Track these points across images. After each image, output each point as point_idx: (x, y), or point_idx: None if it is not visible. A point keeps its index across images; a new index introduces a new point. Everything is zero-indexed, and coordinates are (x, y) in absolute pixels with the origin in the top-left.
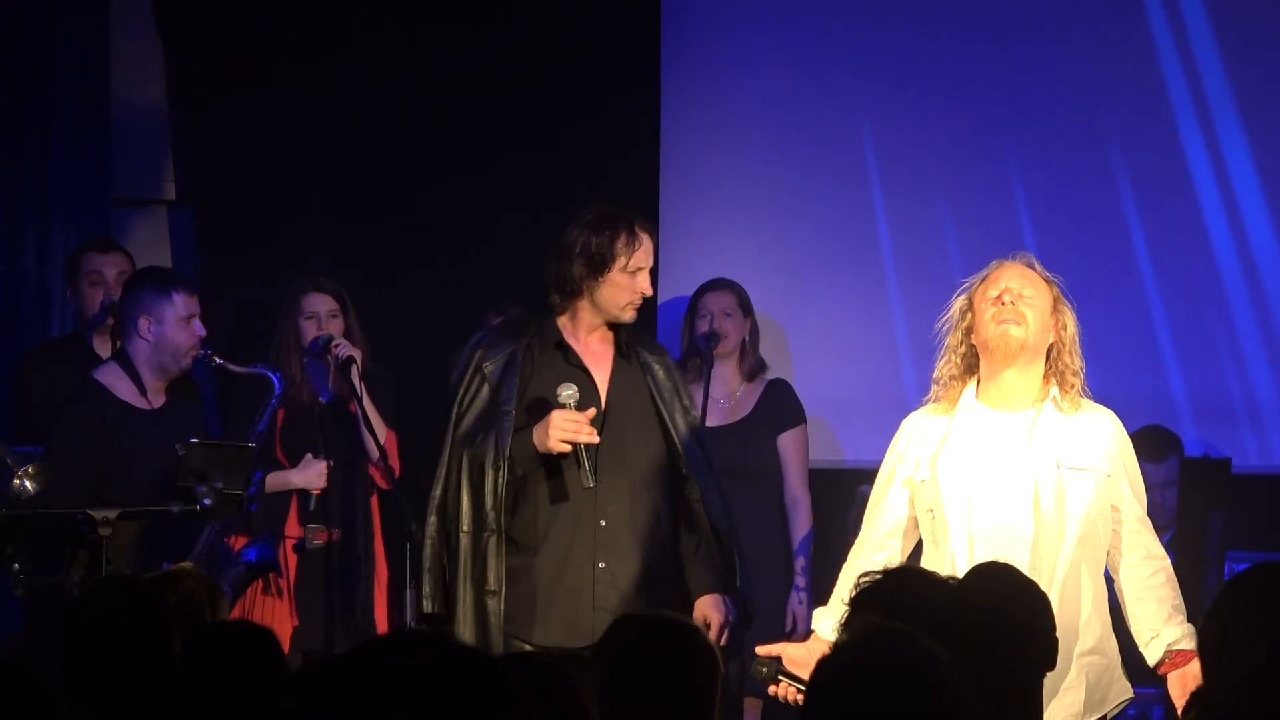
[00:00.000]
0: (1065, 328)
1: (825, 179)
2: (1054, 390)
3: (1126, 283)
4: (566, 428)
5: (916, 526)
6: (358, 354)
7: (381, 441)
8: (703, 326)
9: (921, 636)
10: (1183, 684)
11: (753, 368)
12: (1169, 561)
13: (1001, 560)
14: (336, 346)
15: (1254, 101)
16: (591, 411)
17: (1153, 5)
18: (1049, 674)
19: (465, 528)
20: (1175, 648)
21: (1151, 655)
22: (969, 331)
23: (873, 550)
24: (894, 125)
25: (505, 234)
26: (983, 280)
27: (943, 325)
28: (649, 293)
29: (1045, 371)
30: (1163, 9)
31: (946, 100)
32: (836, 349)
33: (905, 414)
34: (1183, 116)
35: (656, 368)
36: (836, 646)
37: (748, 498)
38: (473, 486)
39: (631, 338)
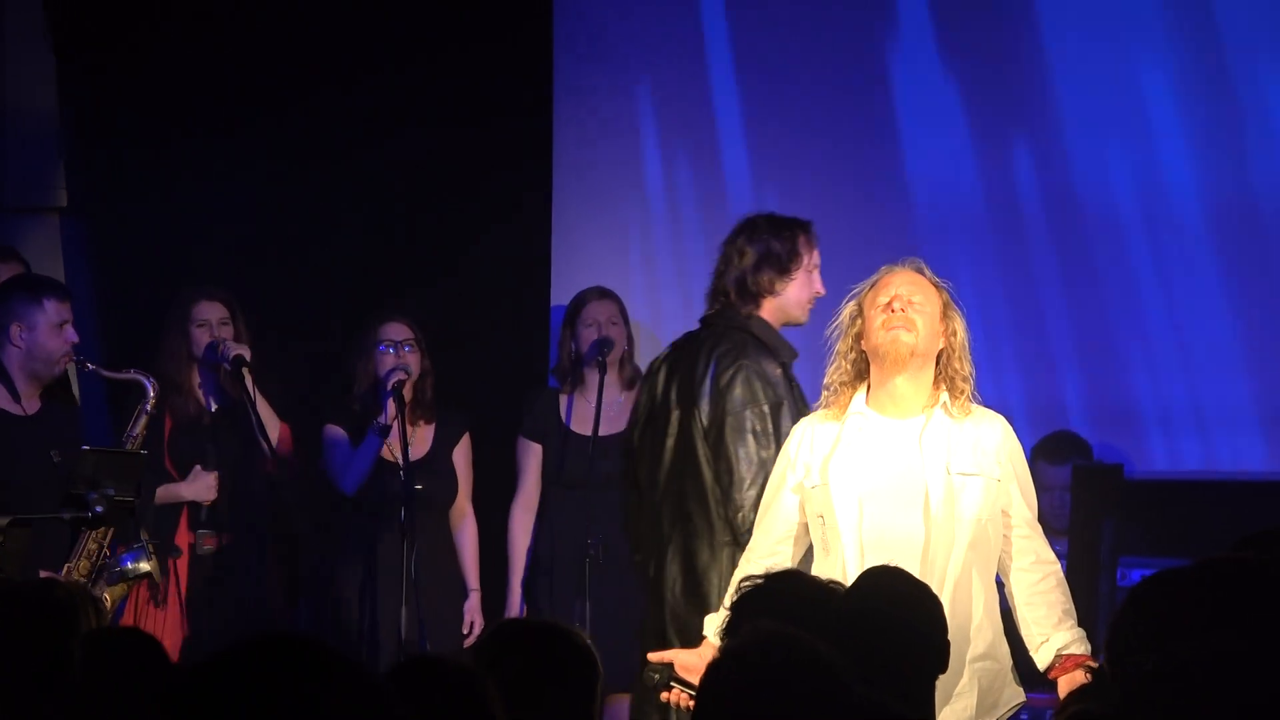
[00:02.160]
0: (955, 333)
1: (707, 187)
2: (944, 396)
3: (1020, 288)
4: None
5: (808, 533)
6: (247, 352)
7: (274, 439)
8: (592, 335)
9: (808, 637)
10: (1073, 688)
11: (631, 377)
12: (1059, 566)
13: (892, 565)
14: (224, 345)
15: (1149, 104)
16: None
17: (1041, 5)
18: (940, 679)
19: None
20: (1065, 652)
21: (1042, 660)
22: (859, 338)
23: (763, 556)
24: (778, 132)
25: (399, 243)
26: (872, 286)
27: (832, 332)
28: (822, 292)
29: (935, 377)
30: (1051, 8)
31: (830, 103)
32: None
33: None
34: (1077, 119)
35: None
36: (723, 651)
37: None
38: None
39: None
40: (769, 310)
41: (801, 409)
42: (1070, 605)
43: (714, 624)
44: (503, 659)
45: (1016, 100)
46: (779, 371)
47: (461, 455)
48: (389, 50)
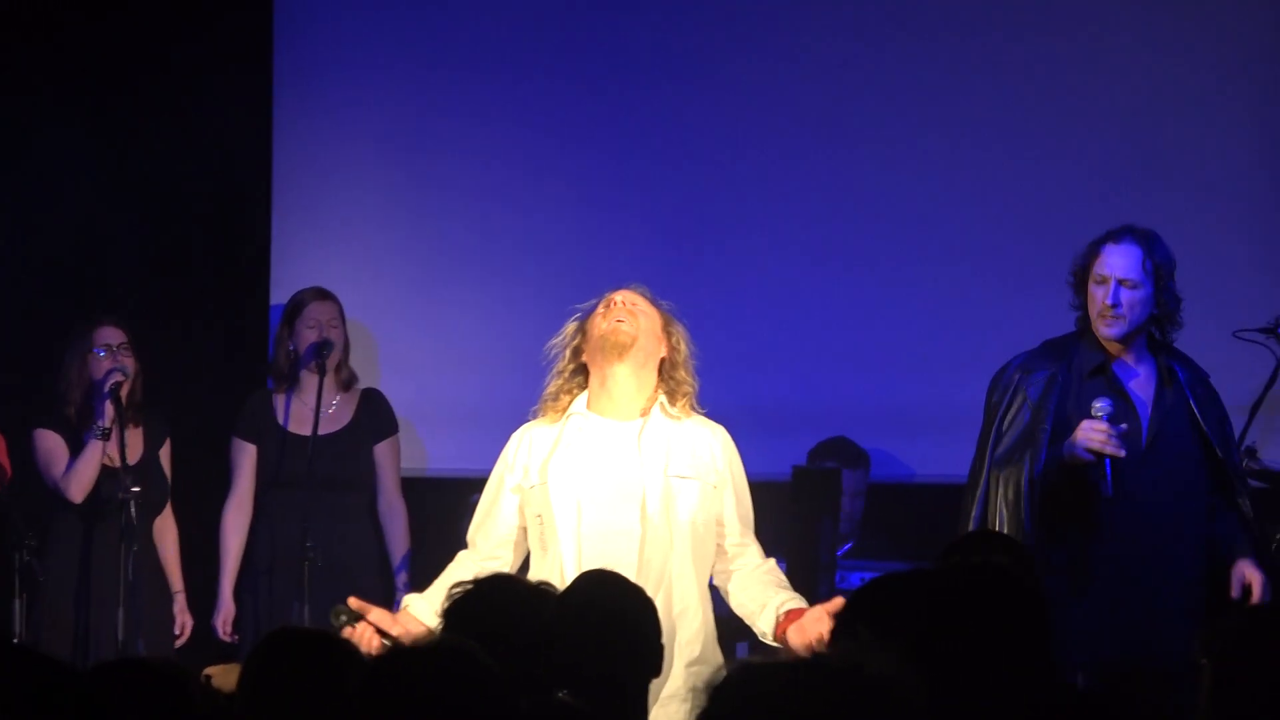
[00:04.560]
0: (678, 347)
1: (428, 189)
2: (662, 398)
3: (731, 294)
4: (1093, 436)
5: (527, 537)
6: None
7: None
8: (312, 336)
9: (481, 654)
10: (802, 632)
11: (348, 378)
12: (775, 563)
13: (609, 567)
14: None
15: (819, 102)
16: (1124, 426)
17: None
18: (655, 681)
19: None
20: (786, 609)
21: (765, 625)
22: (578, 352)
23: (482, 559)
24: (504, 130)
25: (110, 244)
26: (594, 306)
27: (552, 349)
28: (1105, 303)
29: (656, 385)
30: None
31: (568, 109)
32: (428, 358)
33: (496, 422)
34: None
35: (1200, 390)
36: (397, 649)
37: (351, 508)
38: (1008, 506)
39: (1172, 359)
40: (1089, 320)
41: (1034, 407)
42: (787, 585)
43: (417, 601)
44: (276, 669)
45: (726, 116)
46: (1017, 376)
47: (165, 457)
48: (102, 38)
